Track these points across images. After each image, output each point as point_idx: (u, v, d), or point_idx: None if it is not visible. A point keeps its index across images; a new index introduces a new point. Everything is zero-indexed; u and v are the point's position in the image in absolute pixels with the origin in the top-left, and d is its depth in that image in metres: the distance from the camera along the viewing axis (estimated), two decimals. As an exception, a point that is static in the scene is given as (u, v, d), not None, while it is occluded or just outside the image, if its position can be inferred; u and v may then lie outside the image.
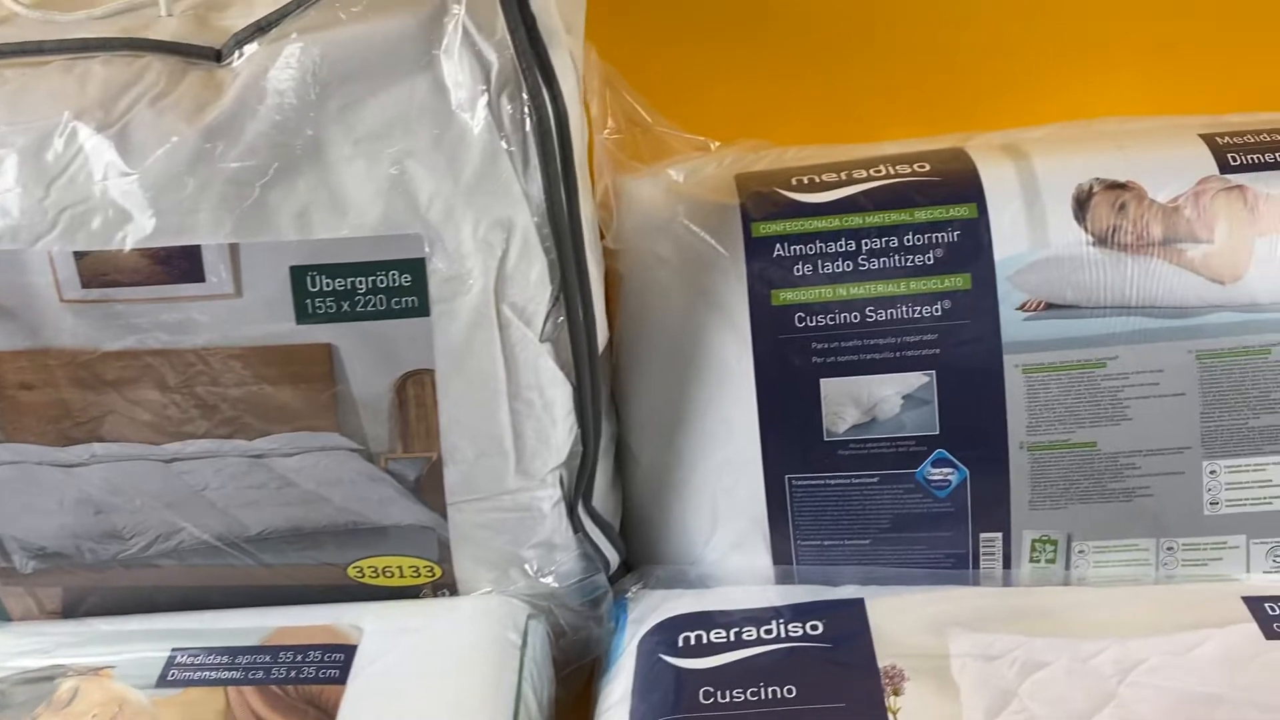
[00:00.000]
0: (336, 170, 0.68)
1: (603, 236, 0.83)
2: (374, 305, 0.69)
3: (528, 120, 0.68)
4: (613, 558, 0.84)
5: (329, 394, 0.71)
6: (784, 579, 0.80)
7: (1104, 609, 0.72)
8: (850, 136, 0.88)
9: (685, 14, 0.93)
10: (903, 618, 0.72)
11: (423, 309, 0.69)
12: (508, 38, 0.67)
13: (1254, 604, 0.70)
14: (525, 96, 0.68)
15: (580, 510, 0.80)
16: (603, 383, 0.85)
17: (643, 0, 0.91)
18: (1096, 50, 0.91)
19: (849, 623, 0.72)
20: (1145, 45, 0.90)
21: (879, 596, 0.75)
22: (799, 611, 0.74)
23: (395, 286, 0.68)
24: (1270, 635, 0.68)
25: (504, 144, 0.69)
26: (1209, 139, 0.76)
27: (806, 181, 0.78)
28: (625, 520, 0.87)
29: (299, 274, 0.68)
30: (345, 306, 0.69)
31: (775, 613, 0.74)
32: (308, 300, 0.69)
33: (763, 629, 0.73)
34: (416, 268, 0.69)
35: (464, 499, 0.75)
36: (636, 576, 0.83)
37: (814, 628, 0.72)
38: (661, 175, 0.80)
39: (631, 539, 0.87)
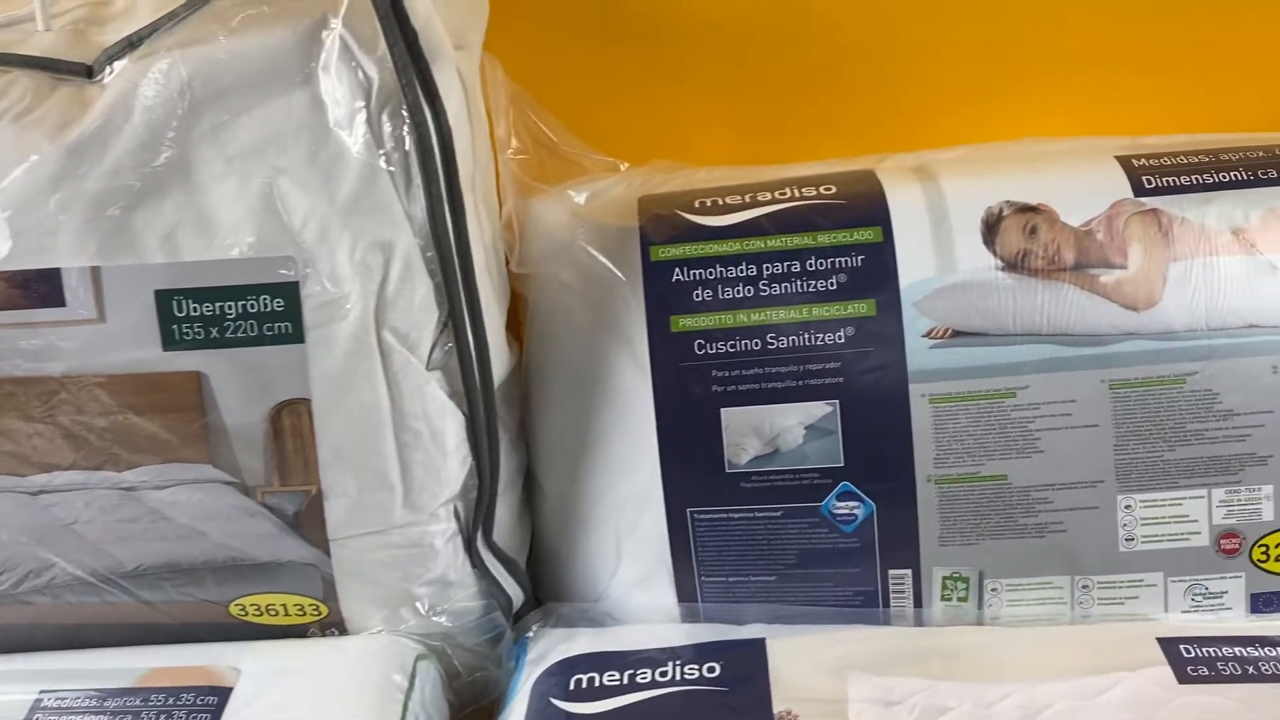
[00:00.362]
0: (206, 190, 0.65)
1: (508, 260, 0.81)
2: (245, 331, 0.66)
3: (407, 138, 0.66)
4: (516, 595, 0.81)
5: (199, 424, 0.68)
6: (690, 617, 0.77)
7: (1014, 650, 0.68)
8: (773, 158, 0.86)
9: (604, 34, 0.90)
10: (803, 659, 0.69)
11: (297, 335, 0.66)
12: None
13: (1168, 646, 0.67)
14: (405, 114, 0.66)
15: (480, 545, 0.77)
16: (509, 412, 0.84)
17: (561, 19, 0.90)
18: (1020, 71, 0.88)
19: (747, 664, 0.69)
20: (1068, 67, 0.87)
21: (781, 637, 0.71)
22: (697, 652, 0.70)
23: (267, 311, 0.65)
24: (1183, 679, 0.65)
25: (384, 163, 0.66)
26: (1124, 161, 0.74)
27: (709, 204, 0.75)
28: (534, 555, 0.85)
29: (165, 298, 0.65)
30: (214, 332, 0.66)
31: (672, 654, 0.70)
32: (174, 326, 0.65)
33: (658, 671, 0.69)
34: (289, 292, 0.65)
35: (348, 534, 0.72)
36: (540, 614, 0.79)
37: (711, 670, 0.69)
38: (564, 197, 0.78)
39: (541, 574, 0.84)
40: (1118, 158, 0.74)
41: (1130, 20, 0.86)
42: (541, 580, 0.84)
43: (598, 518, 0.78)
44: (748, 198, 0.75)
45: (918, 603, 0.74)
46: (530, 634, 0.78)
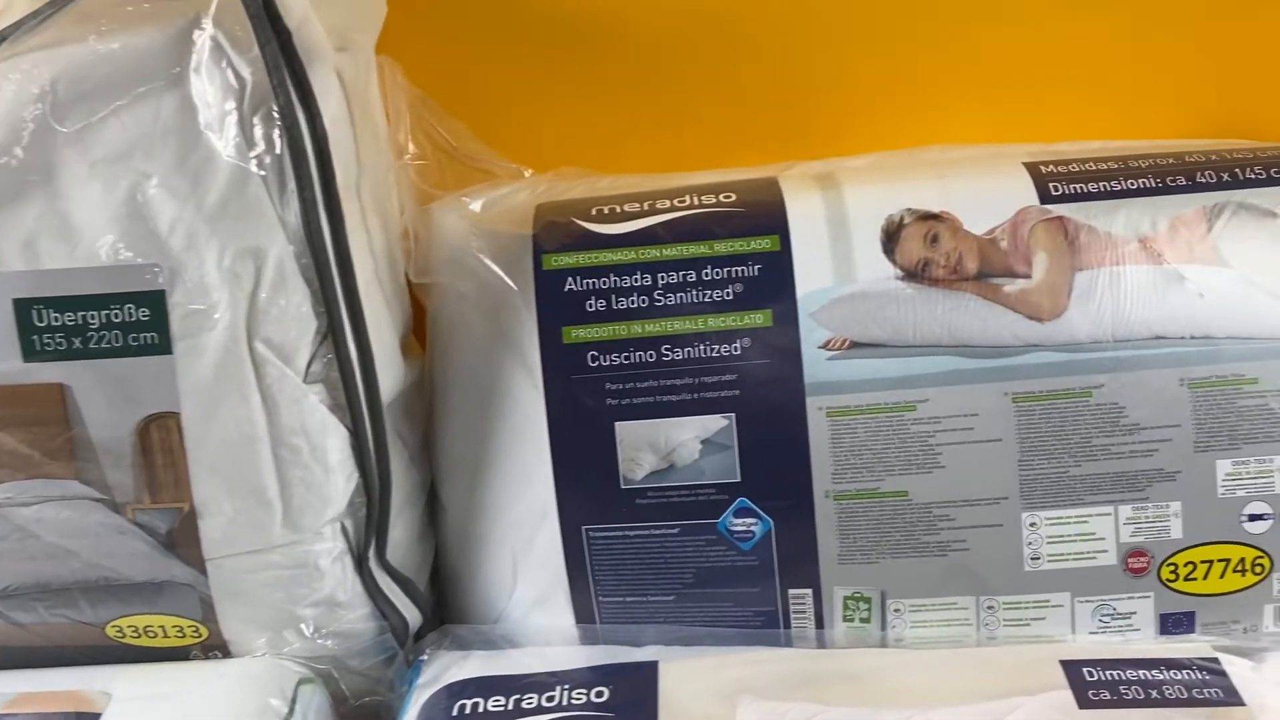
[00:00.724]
0: (69, 195, 0.62)
1: (407, 270, 0.79)
2: (109, 342, 0.63)
3: (278, 141, 0.64)
4: (413, 616, 0.78)
5: (64, 438, 0.65)
6: (589, 639, 0.74)
7: (912, 673, 0.66)
8: (691, 166, 0.84)
9: (522, 41, 0.88)
10: (695, 683, 0.66)
11: (164, 346, 0.63)
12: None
13: (1071, 669, 0.64)
14: (277, 116, 0.64)
15: (373, 565, 0.75)
16: (410, 427, 0.81)
17: (469, 24, 0.88)
18: (943, 79, 0.86)
19: (637, 689, 0.66)
20: (990, 75, 0.85)
21: (675, 659, 0.69)
22: (586, 677, 0.68)
23: (132, 321, 0.63)
24: (1084, 704, 0.63)
25: (255, 166, 0.63)
26: (1032, 168, 0.72)
27: (606, 212, 0.73)
28: (439, 575, 0.82)
29: (24, 308, 0.62)
30: (77, 343, 0.63)
31: (561, 678, 0.68)
32: (35, 336, 0.62)
33: (545, 696, 0.67)
34: (155, 301, 0.63)
35: (225, 554, 0.69)
36: (437, 636, 0.77)
37: (599, 694, 0.66)
38: (459, 205, 0.76)
39: (446, 595, 0.82)
40: (1025, 164, 0.72)
41: (1053, 28, 0.85)
42: (447, 601, 0.82)
43: (495, 536, 0.75)
44: (646, 205, 0.73)
45: (820, 624, 0.71)
46: (424, 657, 0.75)
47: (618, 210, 0.73)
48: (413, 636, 0.79)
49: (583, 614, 0.74)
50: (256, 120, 0.64)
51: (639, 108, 0.89)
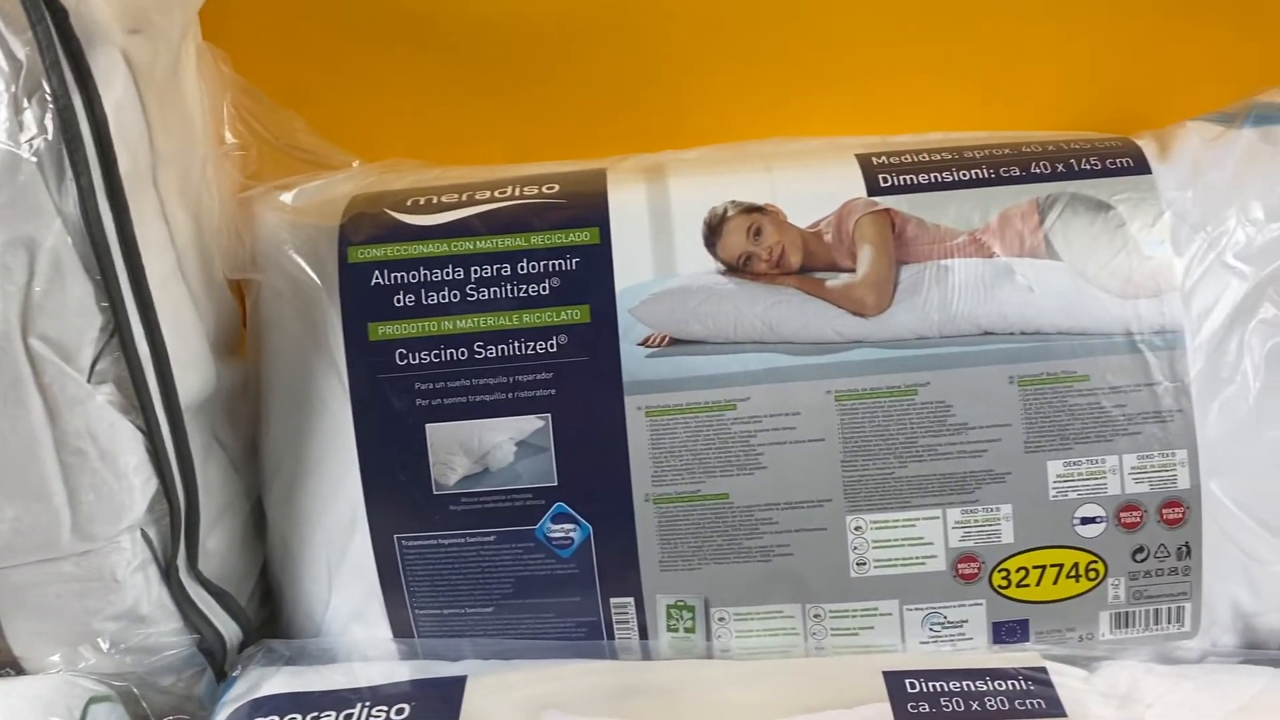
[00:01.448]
0: None
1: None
2: None
3: (50, 125, 0.60)
4: (230, 631, 0.74)
5: None
6: (407, 653, 0.71)
7: (729, 687, 0.63)
8: (539, 158, 0.81)
9: (356, 29, 0.84)
10: (502, 699, 0.63)
11: (-72, 342, 0.61)
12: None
13: (893, 680, 0.62)
14: (49, 98, 0.60)
15: (184, 576, 0.71)
16: (233, 430, 0.77)
17: (311, 13, 0.84)
18: (797, 70, 0.83)
19: (440, 706, 0.63)
20: (851, 67, 0.82)
21: (485, 674, 0.65)
22: (390, 693, 0.64)
23: (-109, 316, 0.60)
24: (902, 716, 0.59)
25: (27, 151, 0.60)
26: (864, 159, 0.70)
27: (423, 203, 0.70)
28: (270, 586, 0.79)
29: None
30: None
31: (363, 695, 0.64)
32: None
33: (343, 714, 0.63)
34: (-85, 295, 0.60)
35: (10, 564, 0.64)
36: (253, 651, 0.73)
37: (399, 712, 0.63)
38: (272, 197, 0.73)
39: (276, 607, 0.79)
40: (857, 156, 0.70)
41: (916, 21, 0.83)
42: (278, 614, 0.78)
43: (311, 546, 0.71)
44: (464, 196, 0.70)
45: (644, 634, 0.68)
46: (236, 673, 0.72)
47: (434, 201, 0.70)
48: (235, 651, 0.76)
49: (400, 627, 0.70)
50: (30, 103, 0.60)
51: (488, 99, 0.86)
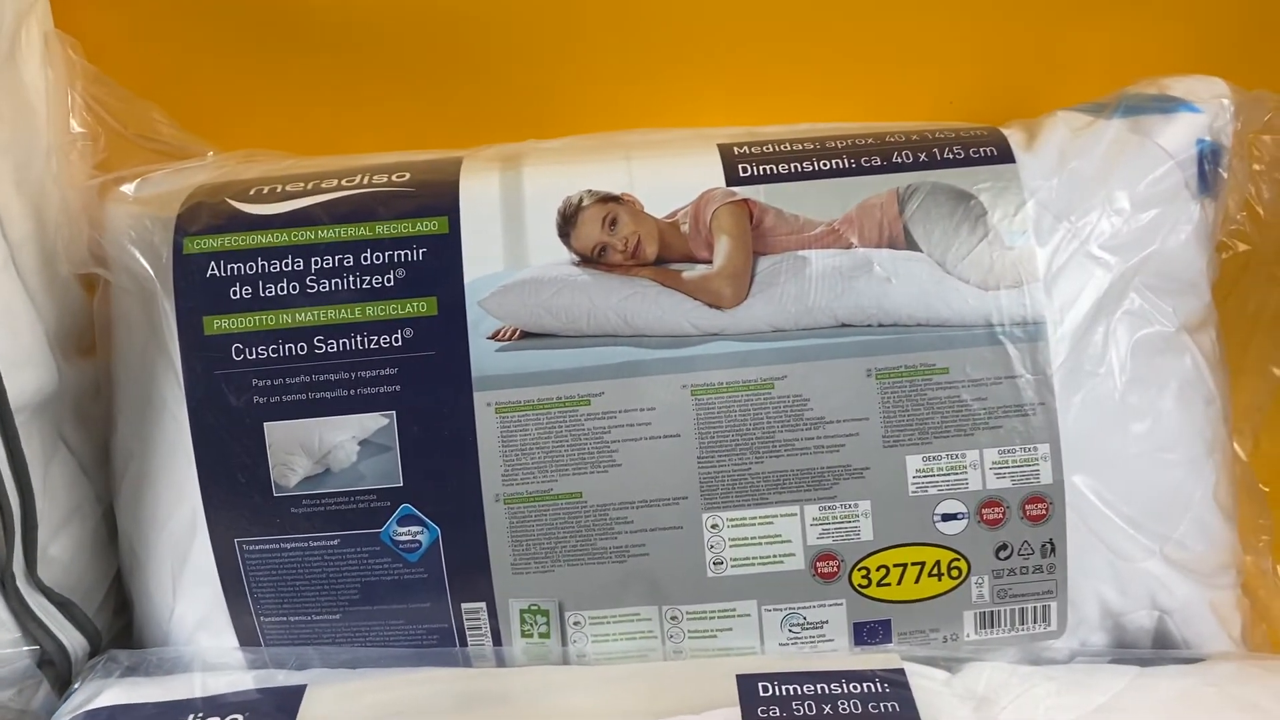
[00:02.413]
0: None
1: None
2: None
3: None
4: (74, 641, 0.70)
5: None
6: (254, 662, 0.68)
7: (578, 694, 0.60)
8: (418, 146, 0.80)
9: (225, 19, 0.83)
10: (341, 708, 0.60)
11: None
12: None
13: (746, 684, 0.59)
14: None
15: (23, 585, 0.68)
16: (84, 433, 0.74)
17: (176, 5, 0.82)
18: (684, 60, 0.82)
19: (275, 716, 0.59)
20: (737, 57, 0.81)
21: (326, 683, 0.63)
22: (223, 704, 0.61)
23: None
24: None
25: None
26: (725, 149, 0.68)
27: (265, 192, 0.67)
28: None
29: None
30: None
31: (197, 706, 0.61)
32: None
33: (172, 726, 0.61)
34: None
35: None
36: (95, 662, 0.69)
37: (229, 724, 0.61)
38: (114, 188, 0.69)
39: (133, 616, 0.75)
40: (720, 145, 0.68)
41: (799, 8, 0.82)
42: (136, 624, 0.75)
43: (156, 552, 0.68)
44: (310, 185, 0.67)
45: (497, 640, 0.65)
46: (77, 685, 0.68)
47: (278, 190, 0.67)
48: (82, 662, 0.72)
49: (246, 635, 0.67)
50: None
51: (363, 90, 0.83)
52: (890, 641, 0.65)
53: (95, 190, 0.72)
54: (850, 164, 0.66)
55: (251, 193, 0.67)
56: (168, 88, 0.80)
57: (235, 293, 0.64)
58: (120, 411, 0.70)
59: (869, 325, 0.64)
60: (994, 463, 0.64)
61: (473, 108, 0.83)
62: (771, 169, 0.66)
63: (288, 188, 0.67)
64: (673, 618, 0.65)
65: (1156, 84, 0.70)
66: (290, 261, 0.64)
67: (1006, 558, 0.65)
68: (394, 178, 0.67)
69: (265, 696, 0.61)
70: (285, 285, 0.64)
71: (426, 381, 0.63)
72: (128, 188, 0.68)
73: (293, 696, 0.61)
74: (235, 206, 0.66)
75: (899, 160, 0.67)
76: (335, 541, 0.65)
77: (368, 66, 0.83)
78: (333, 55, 0.83)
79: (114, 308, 0.70)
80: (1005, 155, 0.67)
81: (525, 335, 0.64)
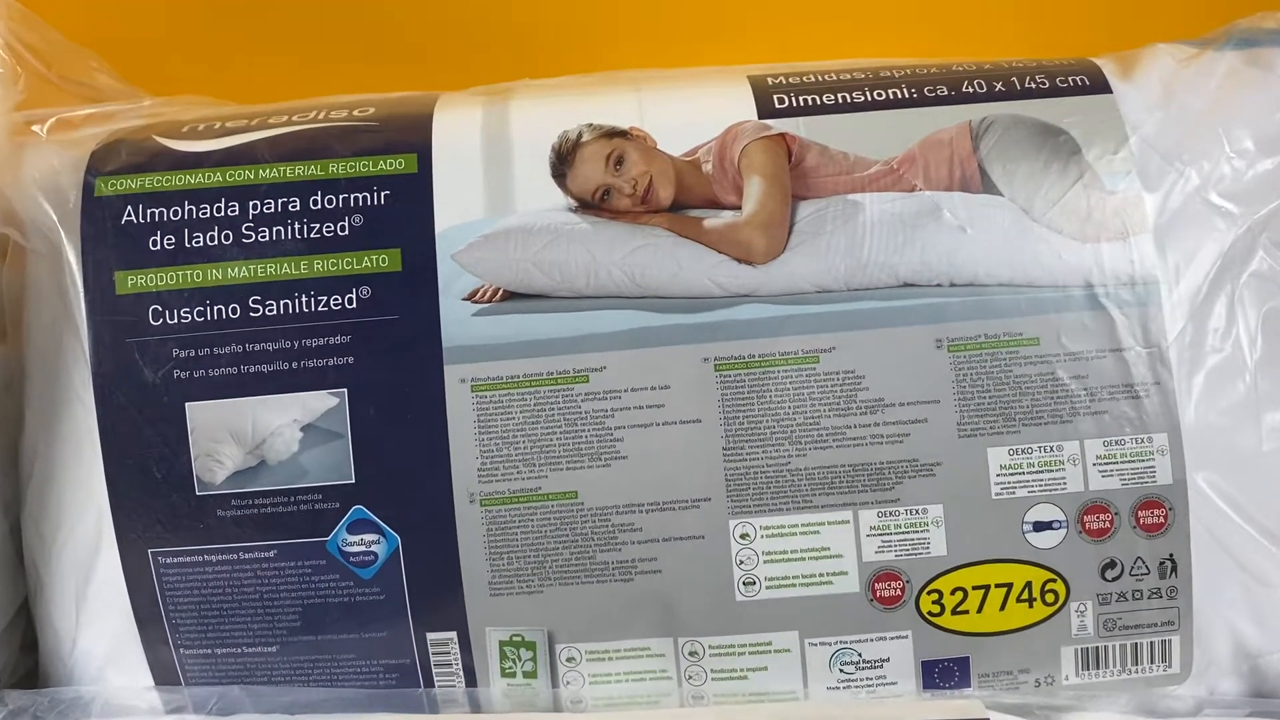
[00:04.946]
0: None
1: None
2: None
3: None
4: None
5: None
6: (175, 706, 0.56)
7: (572, 747, 0.49)
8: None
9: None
10: (265, 764, 0.49)
11: None
12: None
13: (787, 735, 0.48)
14: None
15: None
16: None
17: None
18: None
19: (183, 772, 0.49)
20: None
21: (252, 731, 0.52)
22: (117, 759, 0.50)
23: None
24: (796, 783, 0.46)
25: None
26: (756, 80, 0.56)
27: (202, 129, 0.55)
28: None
29: None
30: None
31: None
32: None
33: (55, 784, 0.49)
34: None
35: None
36: (-11, 705, 0.59)
37: (128, 781, 0.49)
38: (22, 129, 0.58)
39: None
40: (750, 77, 0.57)
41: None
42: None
43: (58, 570, 0.55)
44: (256, 120, 0.56)
45: (471, 680, 0.52)
46: (-43, 737, 0.57)
47: (216, 127, 0.55)
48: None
49: (162, 673, 0.54)
50: None
51: (330, 48, 0.74)
52: (969, 685, 0.52)
53: (2, 131, 0.62)
54: (910, 94, 0.55)
55: (185, 129, 0.56)
56: (113, 39, 0.72)
57: (155, 243, 0.52)
58: (29, 404, 0.58)
59: (938, 285, 0.51)
60: (1098, 457, 0.51)
61: (458, 50, 0.74)
62: (814, 99, 0.55)
63: (229, 124, 0.56)
64: (692, 653, 0.53)
65: (1274, 17, 0.59)
66: (224, 206, 0.52)
67: (1115, 578, 0.52)
68: (356, 112, 0.56)
69: (176, 748, 0.50)
70: (217, 234, 0.52)
71: (386, 352, 0.51)
72: (39, 127, 0.57)
73: (207, 747, 0.49)
74: (162, 143, 0.54)
75: (970, 90, 0.55)
76: (271, 553, 0.52)
77: (336, 20, 0.74)
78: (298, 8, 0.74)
79: (26, 278, 0.60)
80: (1100, 85, 0.55)
81: (509, 296, 0.52)
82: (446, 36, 0.75)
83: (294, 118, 0.56)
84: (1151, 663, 0.52)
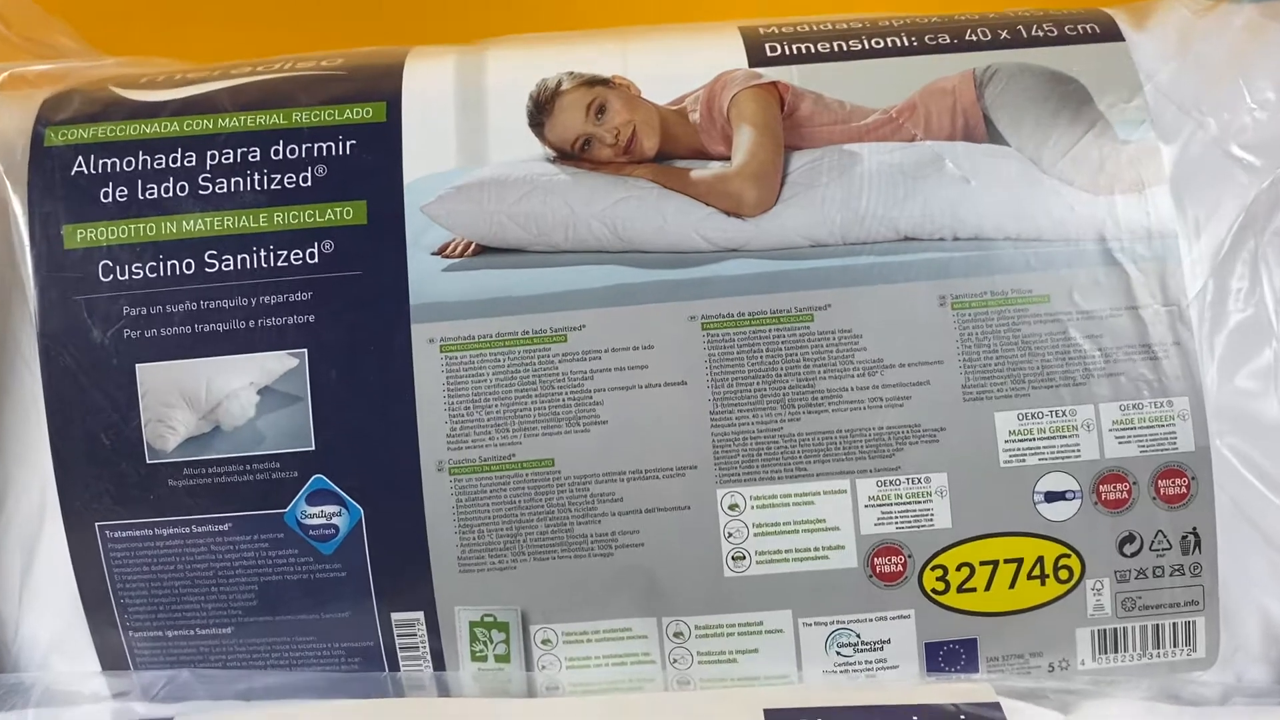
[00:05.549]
0: None
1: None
2: None
3: None
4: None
5: None
6: (120, 691, 0.51)
7: (546, 733, 0.45)
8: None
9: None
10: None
11: None
12: None
13: None
14: None
15: None
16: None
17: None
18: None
19: (125, 759, 0.45)
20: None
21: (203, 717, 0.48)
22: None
23: None
24: (786, 771, 0.42)
25: None
26: (747, 29, 0.53)
27: (161, 80, 0.52)
28: None
29: None
30: None
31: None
32: None
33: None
34: None
35: None
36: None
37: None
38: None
39: None
40: (741, 27, 0.54)
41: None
42: None
43: (1, 549, 0.52)
44: (219, 71, 0.53)
45: (440, 663, 0.48)
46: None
47: (176, 77, 0.52)
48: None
49: (111, 657, 0.50)
50: None
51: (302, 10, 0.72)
52: (976, 669, 0.48)
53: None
54: (911, 42, 0.51)
55: (143, 80, 0.53)
56: (80, 10, 0.69)
57: (107, 194, 0.49)
58: (-18, 374, 0.56)
59: (940, 239, 0.48)
60: (1115, 422, 0.47)
61: (437, 15, 0.71)
62: (808, 47, 0.51)
63: (190, 75, 0.53)
64: (677, 634, 0.49)
65: (1290, -28, 0.57)
66: (180, 156, 0.49)
67: (1134, 554, 0.48)
68: (324, 63, 0.53)
69: (118, 734, 0.46)
70: (172, 185, 0.49)
71: (350, 310, 0.47)
72: (-6, 77, 0.56)
73: (153, 734, 0.45)
74: (117, 93, 0.51)
75: (974, 38, 0.52)
76: (225, 526, 0.49)
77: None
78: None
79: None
80: (1112, 33, 0.52)
81: (482, 251, 0.49)
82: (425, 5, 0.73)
83: (258, 68, 0.53)
84: (1175, 646, 0.48)
